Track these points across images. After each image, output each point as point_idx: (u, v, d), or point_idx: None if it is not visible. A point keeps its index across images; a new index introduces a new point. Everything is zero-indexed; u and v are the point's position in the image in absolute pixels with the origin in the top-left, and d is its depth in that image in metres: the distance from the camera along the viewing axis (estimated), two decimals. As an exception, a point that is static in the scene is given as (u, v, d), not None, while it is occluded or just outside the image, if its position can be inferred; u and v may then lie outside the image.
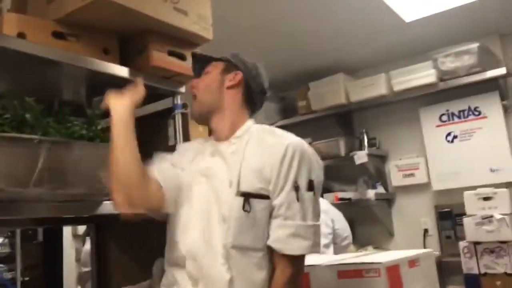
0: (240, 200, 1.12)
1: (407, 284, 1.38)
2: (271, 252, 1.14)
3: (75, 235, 4.36)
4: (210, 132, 1.38)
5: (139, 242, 1.77)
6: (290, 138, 1.21)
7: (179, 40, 1.58)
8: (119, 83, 1.47)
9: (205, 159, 1.29)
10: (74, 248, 4.32)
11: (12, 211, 1.10)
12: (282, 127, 3.70)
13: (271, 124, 4.62)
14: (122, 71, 1.50)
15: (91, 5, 1.31)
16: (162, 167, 1.27)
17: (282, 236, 1.12)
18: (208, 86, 1.34)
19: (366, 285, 1.31)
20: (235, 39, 1.55)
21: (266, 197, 1.14)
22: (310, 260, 1.51)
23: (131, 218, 1.19)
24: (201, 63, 1.41)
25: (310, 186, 1.16)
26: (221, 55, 1.39)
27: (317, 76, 3.52)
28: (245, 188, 1.14)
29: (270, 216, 1.15)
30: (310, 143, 3.63)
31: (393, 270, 1.34)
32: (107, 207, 1.35)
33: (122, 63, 1.51)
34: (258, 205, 1.13)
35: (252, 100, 1.35)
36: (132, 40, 1.54)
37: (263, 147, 1.20)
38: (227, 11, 1.55)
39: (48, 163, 1.11)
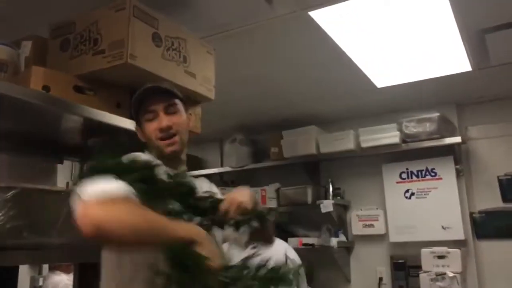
0: None
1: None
2: None
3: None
4: None
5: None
6: None
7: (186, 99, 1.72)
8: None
9: None
10: (29, 276, 4.21)
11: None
12: (252, 170, 3.87)
13: (242, 167, 4.61)
14: (132, 125, 1.61)
15: (116, 67, 1.44)
16: None
17: None
18: (187, 126, 1.39)
19: None
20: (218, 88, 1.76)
21: None
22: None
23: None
24: (168, 99, 1.35)
25: None
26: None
27: (290, 125, 3.69)
28: None
29: None
30: (278, 188, 3.80)
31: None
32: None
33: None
34: None
35: None
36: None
37: None
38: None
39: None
